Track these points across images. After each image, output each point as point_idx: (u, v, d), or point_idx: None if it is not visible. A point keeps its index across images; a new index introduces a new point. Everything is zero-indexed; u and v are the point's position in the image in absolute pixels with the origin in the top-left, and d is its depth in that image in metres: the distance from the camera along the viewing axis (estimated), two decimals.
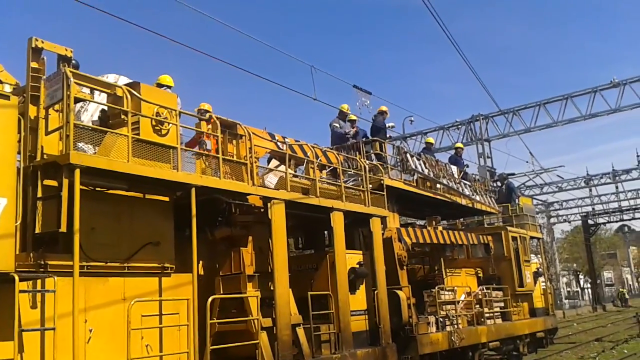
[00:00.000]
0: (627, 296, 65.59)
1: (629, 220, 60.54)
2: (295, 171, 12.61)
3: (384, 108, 16.99)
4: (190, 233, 9.54)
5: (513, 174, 36.93)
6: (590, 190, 52.65)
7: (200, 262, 10.37)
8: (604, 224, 62.74)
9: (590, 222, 58.26)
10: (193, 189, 8.39)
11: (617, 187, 50.66)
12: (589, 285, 69.72)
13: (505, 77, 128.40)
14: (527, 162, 36.91)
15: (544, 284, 20.72)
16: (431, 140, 21.75)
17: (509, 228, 18.67)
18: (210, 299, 8.50)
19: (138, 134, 8.28)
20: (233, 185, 9.13)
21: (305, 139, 13.86)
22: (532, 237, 20.38)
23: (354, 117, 16.29)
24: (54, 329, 6.79)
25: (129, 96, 8.13)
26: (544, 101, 34.94)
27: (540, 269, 20.40)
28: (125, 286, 8.14)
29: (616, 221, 62.07)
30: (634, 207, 53.46)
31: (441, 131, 38.27)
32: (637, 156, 46.00)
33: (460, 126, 37.90)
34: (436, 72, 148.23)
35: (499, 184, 21.34)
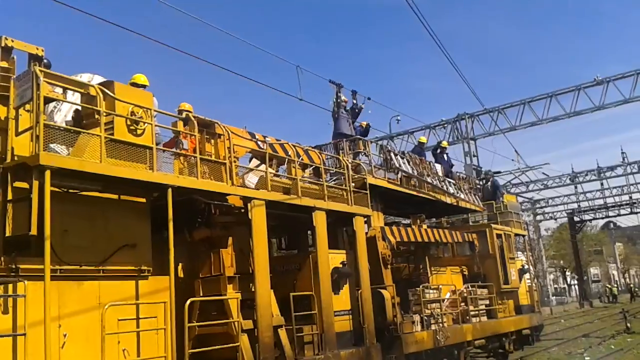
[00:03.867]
0: (615, 292, 65.97)
1: (615, 216, 60.97)
2: (277, 171, 12.48)
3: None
4: (166, 235, 9.42)
5: (499, 172, 37.21)
6: (576, 187, 53.02)
7: (180, 264, 10.25)
8: (590, 220, 63.06)
9: (576, 219, 58.60)
10: (169, 190, 8.23)
11: (602, 184, 51.10)
12: (575, 282, 70.12)
13: (490, 76, 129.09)
14: (512, 160, 37.23)
15: (529, 281, 20.71)
16: (423, 139, 21.67)
17: (493, 225, 18.64)
18: (188, 302, 8.33)
19: (112, 134, 8.13)
20: (211, 186, 8.98)
21: (292, 139, 13.89)
22: (517, 235, 20.39)
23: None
24: (24, 334, 6.60)
25: (101, 95, 7.94)
26: (529, 99, 35.26)
27: (525, 266, 20.39)
28: (100, 290, 7.96)
29: (602, 218, 62.49)
30: (619, 203, 53.83)
31: (427, 130, 38.44)
32: (622, 153, 46.51)
33: (446, 125, 38.17)
34: (421, 71, 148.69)
35: (483, 182, 21.27)
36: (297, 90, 14.73)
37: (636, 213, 55.77)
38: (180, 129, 9.10)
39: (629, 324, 27.22)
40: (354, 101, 16.61)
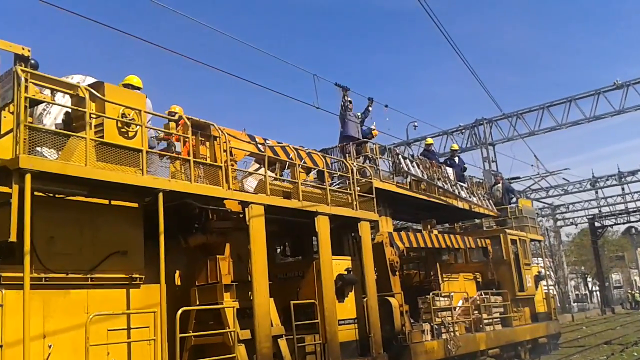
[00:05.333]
0: (638, 298, 64.59)
1: (636, 222, 59.67)
2: (282, 175, 12.13)
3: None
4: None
5: (518, 178, 36.67)
6: (597, 192, 52.05)
7: (177, 271, 9.94)
8: (611, 226, 61.90)
9: (597, 224, 57.56)
10: (160, 194, 7.90)
11: (623, 189, 50.06)
12: (597, 288, 68.88)
13: (507, 79, 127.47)
14: (532, 165, 36.68)
15: (546, 287, 20.11)
16: (430, 141, 21.08)
17: (507, 231, 18.11)
18: (179, 312, 7.98)
19: (102, 137, 7.84)
20: (205, 190, 8.63)
21: (310, 146, 13.61)
22: (532, 240, 19.81)
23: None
24: (1, 346, 6.30)
25: (88, 97, 7.65)
26: (548, 104, 34.77)
27: (541, 273, 19.79)
28: (88, 299, 7.66)
29: (623, 223, 61.16)
30: None
31: (445, 136, 38.03)
32: None
33: (464, 130, 37.76)
34: (437, 76, 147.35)
35: (493, 184, 20.60)
36: (314, 99, 14.53)
37: None
38: (173, 131, 8.77)
39: None
40: (369, 108, 16.18)
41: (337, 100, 15.43)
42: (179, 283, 9.84)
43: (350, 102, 15.30)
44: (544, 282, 19.79)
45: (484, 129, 36.83)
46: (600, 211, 55.96)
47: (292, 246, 13.24)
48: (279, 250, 13.86)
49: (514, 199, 20.50)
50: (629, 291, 72.61)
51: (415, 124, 25.27)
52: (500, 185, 20.38)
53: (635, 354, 20.86)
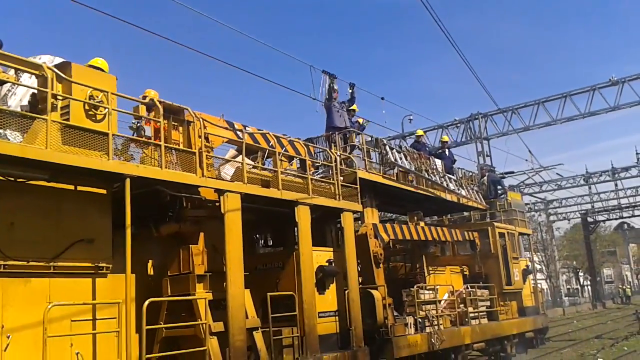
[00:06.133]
0: (629, 293, 64.82)
1: (629, 217, 59.68)
2: (264, 164, 11.81)
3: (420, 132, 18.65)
4: (134, 229, 8.80)
5: (512, 172, 36.66)
6: (590, 188, 52.07)
7: (150, 261, 9.62)
8: (604, 221, 62.00)
9: (589, 219, 57.60)
10: (127, 180, 7.57)
11: (616, 185, 50.08)
12: (588, 283, 69.04)
13: (504, 76, 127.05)
14: (526, 160, 36.73)
15: (535, 282, 19.89)
16: (421, 132, 20.60)
17: (496, 224, 17.84)
18: (146, 303, 7.66)
19: (68, 119, 7.51)
20: (177, 176, 8.29)
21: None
22: (521, 234, 19.56)
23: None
24: None
25: (54, 77, 7.32)
26: (543, 99, 34.70)
27: (529, 267, 19.54)
28: (50, 288, 7.35)
29: (615, 218, 61.22)
30: (633, 204, 52.70)
31: (440, 129, 37.97)
32: (637, 154, 45.45)
33: (459, 124, 37.71)
34: (433, 71, 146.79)
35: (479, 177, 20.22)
36: (311, 90, 14.30)
37: None
38: (143, 114, 8.41)
39: None
40: (350, 91, 15.85)
41: (324, 88, 15.09)
42: (152, 273, 9.52)
43: (335, 90, 14.98)
44: (532, 276, 19.50)
45: (479, 123, 36.82)
46: (593, 207, 56.01)
47: (274, 236, 12.93)
48: (262, 241, 13.58)
49: (502, 192, 20.17)
50: (620, 286, 72.91)
51: (411, 117, 25.12)
52: (485, 178, 20.03)
53: (626, 348, 20.90)
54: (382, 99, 18.67)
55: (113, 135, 7.63)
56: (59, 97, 7.62)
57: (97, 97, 7.80)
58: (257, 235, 13.23)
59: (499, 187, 20.14)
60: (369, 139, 15.03)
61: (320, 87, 14.51)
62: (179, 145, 8.72)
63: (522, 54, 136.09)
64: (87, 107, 7.70)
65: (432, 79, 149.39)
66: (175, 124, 8.83)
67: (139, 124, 8.29)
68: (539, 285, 20.85)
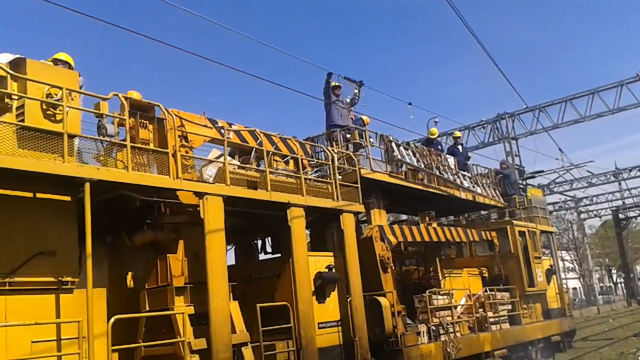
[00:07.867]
0: None
1: None
2: (258, 165, 11.05)
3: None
4: (110, 239, 8.13)
5: (542, 172, 35.88)
6: (620, 184, 50.63)
7: (130, 273, 8.89)
8: (636, 217, 60.40)
9: (621, 216, 56.20)
10: (87, 184, 6.86)
11: None
12: (622, 280, 67.32)
13: (528, 76, 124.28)
14: (556, 158, 36.24)
15: (559, 281, 18.73)
16: (434, 131, 19.71)
17: (515, 222, 16.76)
18: (111, 320, 6.91)
19: (22, 120, 6.86)
20: (144, 179, 7.54)
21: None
22: (542, 232, 18.43)
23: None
24: None
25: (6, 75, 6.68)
26: (570, 97, 34.36)
27: (553, 266, 18.39)
28: (6, 306, 6.67)
29: None
30: None
31: (467, 131, 37.61)
32: None
33: (485, 125, 37.42)
34: (454, 72, 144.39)
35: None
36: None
37: None
38: (104, 111, 7.68)
39: None
40: (355, 91, 15.05)
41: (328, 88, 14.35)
42: (132, 286, 8.79)
43: (338, 87, 14.20)
44: (562, 276, 18.34)
45: (507, 123, 36.51)
46: (624, 203, 54.60)
47: (272, 242, 12.13)
48: (261, 248, 12.80)
49: (508, 188, 18.83)
50: None
51: (436, 119, 24.23)
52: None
53: None
54: (410, 104, 18.26)
55: (71, 135, 6.94)
56: (13, 97, 7.01)
57: (56, 95, 7.14)
58: (255, 242, 12.47)
59: (504, 182, 18.74)
60: (374, 135, 14.18)
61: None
62: (148, 145, 7.97)
63: (544, 53, 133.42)
64: (44, 107, 7.03)
65: (453, 81, 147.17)
66: (145, 121, 8.09)
67: (99, 122, 7.57)
68: (569, 285, 19.77)
